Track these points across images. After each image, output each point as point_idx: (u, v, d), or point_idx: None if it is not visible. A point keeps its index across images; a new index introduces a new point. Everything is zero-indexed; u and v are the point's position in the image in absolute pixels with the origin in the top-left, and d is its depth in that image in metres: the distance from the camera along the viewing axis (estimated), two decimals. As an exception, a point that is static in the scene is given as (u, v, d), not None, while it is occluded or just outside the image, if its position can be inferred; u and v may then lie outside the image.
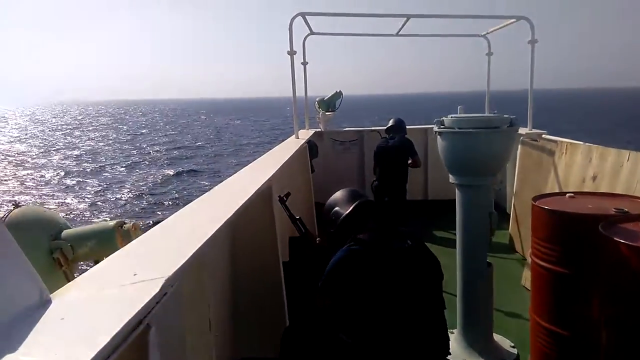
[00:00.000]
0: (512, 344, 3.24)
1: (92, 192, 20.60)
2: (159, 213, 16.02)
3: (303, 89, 6.81)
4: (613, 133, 33.72)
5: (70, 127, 69.63)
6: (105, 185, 22.12)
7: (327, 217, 2.34)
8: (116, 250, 2.03)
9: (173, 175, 24.44)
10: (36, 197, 19.70)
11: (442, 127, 2.83)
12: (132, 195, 19.81)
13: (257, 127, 58.58)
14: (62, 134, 56.33)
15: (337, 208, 2.30)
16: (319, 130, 7.64)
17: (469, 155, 2.76)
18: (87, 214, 16.62)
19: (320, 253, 2.62)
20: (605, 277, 2.44)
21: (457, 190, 2.93)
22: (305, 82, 6.87)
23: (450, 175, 2.92)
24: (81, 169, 27.90)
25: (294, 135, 6.05)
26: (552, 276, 2.88)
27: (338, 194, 2.38)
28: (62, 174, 25.95)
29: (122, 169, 27.32)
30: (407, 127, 6.45)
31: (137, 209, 17.32)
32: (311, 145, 6.04)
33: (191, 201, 2.32)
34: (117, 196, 19.65)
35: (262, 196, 2.67)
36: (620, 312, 2.33)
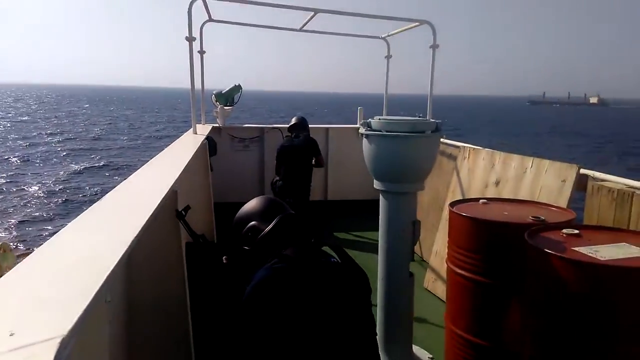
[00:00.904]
0: (431, 356, 3.18)
1: None
2: (36, 230, 12.70)
3: (200, 81, 6.35)
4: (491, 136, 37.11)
5: None
6: None
7: (240, 232, 2.01)
8: None
9: (62, 175, 20.43)
10: None
11: (369, 129, 2.64)
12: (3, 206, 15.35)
13: (151, 119, 54.96)
14: None
15: (254, 222, 1.98)
16: (217, 125, 7.19)
17: (398, 161, 2.60)
18: None
19: (227, 274, 2.29)
20: (529, 287, 2.43)
21: (381, 197, 2.77)
22: (202, 73, 6.41)
23: (375, 181, 2.75)
24: None
25: (191, 130, 5.56)
26: (472, 285, 2.84)
27: (253, 205, 2.05)
28: None
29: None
30: (309, 126, 6.30)
31: (7, 222, 13.44)
32: (210, 142, 5.61)
33: (79, 213, 1.87)
34: None
35: (167, 207, 2.27)
36: (543, 322, 2.32)
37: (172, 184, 2.38)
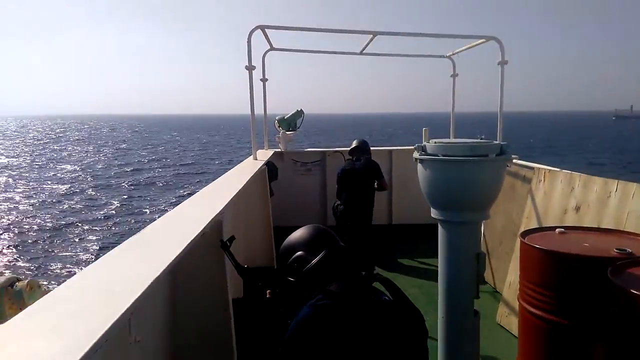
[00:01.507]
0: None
1: None
2: (73, 263, 12.29)
3: (262, 107, 6.40)
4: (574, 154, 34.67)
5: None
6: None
7: (285, 262, 1.87)
8: (2, 317, 1.50)
9: (108, 204, 20.32)
10: None
11: (423, 153, 2.43)
12: (35, 239, 14.74)
13: (212, 146, 57.00)
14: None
15: (300, 253, 1.84)
16: (279, 150, 7.21)
17: (456, 187, 2.37)
18: None
19: (270, 311, 2.15)
20: (613, 330, 2.09)
21: (440, 227, 2.54)
22: (265, 99, 6.46)
23: (432, 209, 2.52)
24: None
25: (251, 157, 5.58)
26: (546, 325, 2.52)
27: (300, 234, 1.91)
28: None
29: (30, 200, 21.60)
30: (370, 148, 6.15)
31: (35, 257, 12.80)
32: (270, 167, 5.60)
33: (120, 242, 1.82)
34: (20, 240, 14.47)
35: (210, 238, 2.19)
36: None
37: (216, 213, 2.31)
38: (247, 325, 2.56)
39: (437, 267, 5.62)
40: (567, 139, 61.89)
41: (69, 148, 54.29)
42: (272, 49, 6.42)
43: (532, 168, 4.48)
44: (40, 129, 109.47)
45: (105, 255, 1.64)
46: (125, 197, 22.22)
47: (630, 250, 2.36)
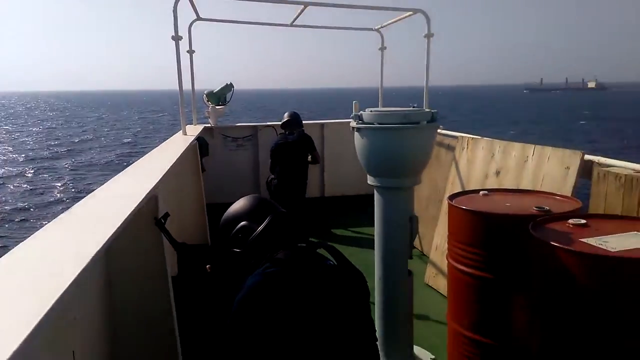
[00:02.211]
0: (433, 357, 3.04)
1: None
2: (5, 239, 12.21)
3: (190, 81, 6.21)
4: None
5: None
6: None
7: (228, 233, 1.87)
8: None
9: (33, 178, 19.83)
10: None
11: (360, 122, 2.49)
12: None
13: (140, 123, 54.52)
14: None
15: (244, 222, 1.84)
16: (209, 125, 7.05)
17: (391, 154, 2.46)
18: None
19: (212, 285, 2.15)
20: (535, 281, 2.29)
21: (375, 193, 2.63)
22: (192, 73, 6.25)
23: (368, 177, 2.60)
24: None
25: (180, 132, 5.42)
26: (474, 281, 2.70)
27: (241, 205, 1.91)
28: None
29: None
30: (302, 121, 6.17)
31: None
32: (201, 143, 5.47)
33: (48, 221, 1.73)
34: None
35: (146, 214, 2.13)
36: (551, 318, 2.19)
37: (150, 188, 2.24)
38: (186, 302, 2.53)
39: (369, 235, 5.82)
40: (486, 111, 65.32)
41: None
42: (198, 18, 6.21)
43: (455, 137, 4.71)
44: None
45: (35, 233, 1.56)
46: (60, 178, 20.89)
47: (547, 208, 2.57)
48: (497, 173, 3.91)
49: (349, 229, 6.46)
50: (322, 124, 7.41)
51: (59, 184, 19.70)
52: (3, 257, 1.34)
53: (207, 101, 7.25)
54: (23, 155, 28.15)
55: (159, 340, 2.27)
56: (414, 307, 2.97)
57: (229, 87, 7.43)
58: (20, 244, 1.45)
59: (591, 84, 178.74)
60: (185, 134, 5.25)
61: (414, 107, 2.65)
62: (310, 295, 1.61)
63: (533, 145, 3.59)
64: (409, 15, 5.72)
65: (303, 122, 6.17)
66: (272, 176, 5.84)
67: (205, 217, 5.03)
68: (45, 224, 1.72)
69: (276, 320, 1.56)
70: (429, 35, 5.53)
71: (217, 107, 7.17)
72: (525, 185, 3.53)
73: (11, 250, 1.38)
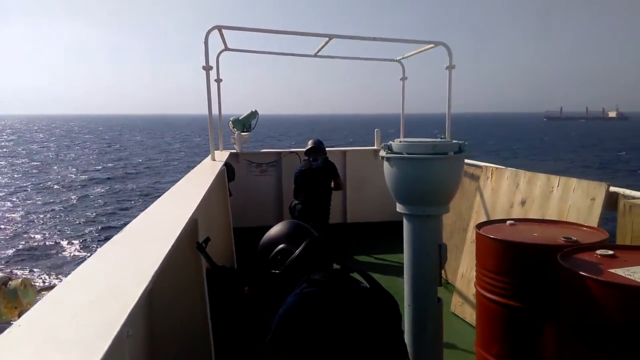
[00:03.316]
0: (462, 384, 3.06)
1: None
2: (57, 261, 12.52)
3: (216, 108, 6.40)
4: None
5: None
6: None
7: (267, 256, 1.97)
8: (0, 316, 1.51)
9: (80, 202, 20.47)
10: None
11: (389, 152, 2.59)
12: (20, 239, 14.69)
13: (168, 147, 55.80)
14: None
15: (283, 245, 1.95)
16: (234, 151, 7.22)
17: (420, 183, 2.54)
18: None
19: (250, 306, 2.24)
20: (564, 311, 2.33)
21: (405, 220, 2.70)
22: (219, 100, 6.45)
23: (397, 204, 2.69)
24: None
25: (209, 157, 5.59)
26: (502, 309, 2.74)
27: (280, 229, 2.03)
28: None
29: (12, 200, 21.60)
30: (325, 148, 6.30)
31: (23, 257, 12.89)
32: (228, 168, 5.63)
33: (100, 245, 1.85)
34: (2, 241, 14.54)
35: (187, 237, 2.24)
36: (580, 348, 2.21)
37: (192, 212, 2.36)
38: (223, 322, 2.62)
39: (392, 262, 5.88)
40: (506, 138, 65.12)
41: (31, 148, 51.45)
42: (226, 49, 6.44)
43: (479, 166, 4.77)
44: None
45: (97, 252, 1.67)
46: (99, 200, 21.68)
47: (575, 238, 2.62)
48: (523, 203, 3.95)
49: (372, 255, 6.50)
50: (345, 151, 7.54)
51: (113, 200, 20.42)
52: (70, 275, 1.45)
53: (233, 127, 7.44)
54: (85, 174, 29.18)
55: (196, 356, 2.35)
56: (447, 337, 3.01)
57: (253, 114, 7.63)
58: (83, 263, 1.56)
59: (612, 114, 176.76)
60: (214, 160, 5.41)
61: (441, 137, 2.74)
62: (347, 315, 1.69)
63: (558, 177, 3.64)
64: (431, 48, 5.86)
65: (326, 148, 6.30)
66: (296, 201, 5.94)
67: (232, 240, 5.14)
68: (100, 241, 1.84)
69: (314, 336, 1.64)
70: (450, 67, 5.66)
71: (242, 133, 7.35)
72: (551, 215, 3.57)
73: (76, 269, 1.50)
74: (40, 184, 26.32)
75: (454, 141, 2.63)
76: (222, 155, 6.16)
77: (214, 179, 3.94)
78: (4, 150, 50.97)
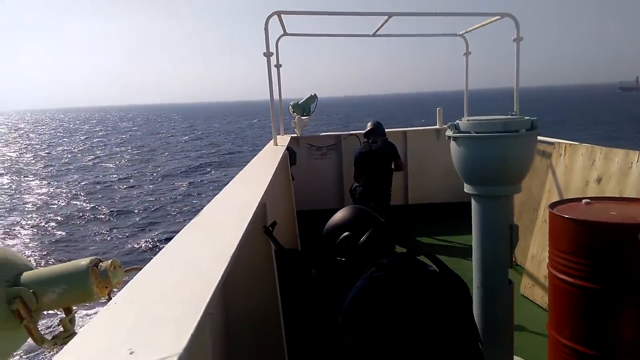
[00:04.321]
0: (535, 367, 2.99)
1: (61, 224, 16.25)
2: (138, 244, 13.49)
3: (277, 93, 6.49)
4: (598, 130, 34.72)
5: (25, 138, 65.61)
6: (75, 213, 17.78)
7: (332, 243, 2.00)
8: (91, 294, 1.63)
9: (156, 193, 21.27)
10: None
11: (456, 131, 2.53)
12: (105, 224, 15.86)
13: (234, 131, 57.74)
14: (19, 146, 52.07)
15: (347, 233, 1.96)
16: (295, 135, 7.31)
17: (490, 163, 2.47)
18: (55, 251, 13.03)
19: (318, 286, 2.28)
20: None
21: (473, 201, 2.64)
22: (280, 86, 6.53)
23: (465, 185, 2.63)
24: (45, 191, 22.93)
25: (271, 142, 5.69)
26: (577, 291, 2.64)
27: (343, 215, 2.04)
28: (19, 198, 21.21)
29: (96, 190, 22.74)
30: (385, 130, 6.24)
31: (112, 241, 13.94)
32: (290, 152, 5.71)
33: (178, 229, 1.95)
34: (89, 227, 15.65)
35: (258, 220, 2.31)
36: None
37: (261, 197, 2.43)
38: (292, 303, 2.70)
39: (457, 243, 5.78)
40: (579, 112, 61.65)
41: (114, 139, 55.35)
42: (285, 34, 6.48)
43: (551, 143, 4.56)
44: (54, 123, 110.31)
45: (177, 235, 1.77)
46: (174, 185, 23.09)
47: (657, 216, 2.47)
48: (599, 180, 3.75)
49: (435, 237, 6.42)
50: (405, 132, 7.44)
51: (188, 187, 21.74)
52: (156, 256, 1.54)
53: (293, 112, 7.53)
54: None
55: (266, 337, 2.44)
56: (518, 320, 2.95)
57: (312, 98, 7.68)
58: (167, 245, 1.66)
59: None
60: (277, 144, 5.51)
61: (512, 114, 2.64)
62: (417, 298, 1.69)
63: (637, 152, 3.42)
64: (497, 20, 5.62)
65: (386, 129, 6.25)
66: (357, 184, 5.94)
67: (296, 223, 5.23)
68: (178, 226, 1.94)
69: (385, 320, 1.66)
70: (518, 40, 5.41)
71: (302, 117, 7.42)
72: (630, 193, 3.37)
73: (162, 250, 1.59)
74: (134, 172, 27.93)
75: (526, 118, 2.53)
76: (283, 140, 6.25)
77: (277, 164, 4.01)
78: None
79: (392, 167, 5.93)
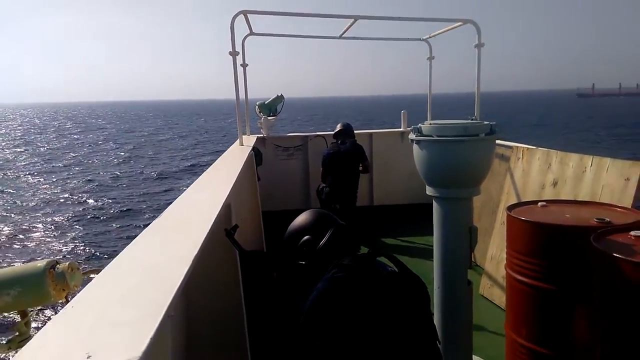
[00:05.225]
0: (493, 365, 3.08)
1: (17, 224, 15.59)
2: (99, 246, 13.00)
3: (242, 92, 6.44)
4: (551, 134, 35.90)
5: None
6: (33, 213, 17.09)
7: (293, 247, 2.01)
8: (48, 297, 1.59)
9: (116, 189, 20.97)
10: None
11: (419, 134, 2.59)
12: (64, 225, 15.24)
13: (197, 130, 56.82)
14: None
15: (307, 237, 1.97)
16: (261, 136, 7.29)
17: (451, 166, 2.54)
18: (10, 254, 12.41)
19: (280, 288, 2.29)
20: (597, 292, 2.31)
21: (435, 203, 2.71)
22: (245, 85, 6.48)
23: (427, 187, 2.69)
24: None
25: (237, 142, 5.66)
26: (533, 291, 2.73)
27: (303, 219, 2.05)
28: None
29: (55, 189, 21.77)
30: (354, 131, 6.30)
31: (72, 243, 13.30)
32: (256, 153, 5.69)
33: (141, 229, 1.92)
34: (48, 228, 15.03)
35: (222, 221, 2.30)
36: (614, 329, 2.20)
37: (225, 197, 2.42)
38: (254, 305, 2.70)
39: (420, 244, 5.88)
40: (537, 117, 63.69)
41: (68, 136, 53.36)
42: (251, 33, 6.45)
43: (510, 147, 4.70)
44: (25, 119, 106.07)
45: (138, 237, 1.74)
46: (139, 183, 22.53)
47: (608, 220, 2.58)
48: (554, 184, 3.89)
49: (399, 238, 6.52)
50: (371, 134, 7.52)
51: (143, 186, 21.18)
52: (115, 258, 1.52)
53: (259, 112, 7.50)
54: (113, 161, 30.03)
55: (230, 339, 2.43)
56: (476, 320, 3.02)
57: (279, 98, 7.67)
58: (127, 247, 1.63)
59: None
60: (242, 145, 5.48)
61: (471, 119, 2.72)
62: (376, 298, 1.72)
63: (591, 157, 3.57)
64: (459, 26, 5.75)
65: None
66: (324, 185, 5.97)
67: (261, 224, 5.22)
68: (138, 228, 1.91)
69: (345, 321, 1.68)
70: (479, 46, 5.54)
71: (269, 117, 7.40)
72: (584, 196, 3.51)
73: (121, 253, 1.57)
74: (77, 172, 27.07)
75: (485, 122, 2.61)
76: (249, 140, 6.23)
77: (243, 164, 4.00)
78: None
79: (360, 168, 5.99)
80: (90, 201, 18.97)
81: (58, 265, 1.61)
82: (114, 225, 15.28)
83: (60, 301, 1.67)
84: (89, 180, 24.04)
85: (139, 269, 1.46)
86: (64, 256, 11.76)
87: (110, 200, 18.91)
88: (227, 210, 2.41)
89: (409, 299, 1.81)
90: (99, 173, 26.16)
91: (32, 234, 14.58)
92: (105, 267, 1.45)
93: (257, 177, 5.59)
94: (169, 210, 2.24)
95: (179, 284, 1.29)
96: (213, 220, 1.97)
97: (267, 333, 2.61)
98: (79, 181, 23.83)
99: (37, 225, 15.61)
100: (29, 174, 26.67)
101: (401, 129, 7.53)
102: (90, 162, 31.05)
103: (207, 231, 1.81)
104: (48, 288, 1.56)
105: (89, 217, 16.56)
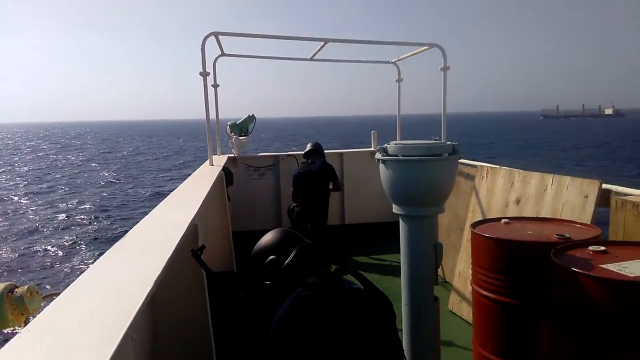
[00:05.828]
0: (460, 381, 3.10)
1: None
2: (61, 268, 12.52)
3: (214, 113, 6.44)
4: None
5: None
6: None
7: (259, 267, 2.01)
8: (5, 322, 1.56)
9: (77, 211, 20.28)
10: None
11: (384, 154, 2.65)
12: (22, 247, 14.70)
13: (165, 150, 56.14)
14: None
15: (272, 257, 1.98)
16: (232, 155, 7.27)
17: (415, 185, 2.60)
18: None
19: (246, 311, 2.28)
20: (558, 306, 2.38)
21: (401, 221, 2.76)
22: (217, 106, 6.49)
23: (394, 205, 2.74)
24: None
25: (207, 162, 5.64)
26: (498, 306, 2.79)
27: (269, 239, 2.05)
28: None
29: (13, 209, 21.07)
30: (324, 151, 6.36)
31: (31, 265, 12.83)
32: (226, 172, 5.68)
33: (103, 251, 1.90)
34: (5, 249, 14.35)
35: (188, 242, 2.29)
36: (574, 342, 2.26)
37: (192, 218, 2.41)
38: (221, 326, 2.67)
39: (390, 262, 5.93)
40: (502, 137, 65.40)
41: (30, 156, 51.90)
42: (223, 54, 6.49)
43: (475, 166, 4.83)
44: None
45: (100, 258, 1.72)
46: (99, 206, 21.75)
47: (568, 235, 2.67)
48: (517, 202, 4.00)
49: (370, 257, 6.55)
50: (342, 153, 7.59)
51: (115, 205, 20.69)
52: (75, 281, 1.49)
53: (230, 132, 7.50)
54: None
55: (197, 358, 2.40)
56: (445, 335, 3.05)
57: (251, 118, 7.69)
58: (88, 269, 1.61)
59: (608, 111, 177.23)
60: (212, 165, 5.46)
61: (435, 139, 2.79)
62: (341, 316, 1.74)
63: (552, 175, 3.70)
64: (426, 49, 5.92)
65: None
66: (294, 204, 5.99)
67: (232, 244, 5.18)
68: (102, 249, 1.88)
69: (311, 339, 1.69)
70: (445, 69, 5.71)
71: (240, 137, 7.40)
72: (545, 213, 3.62)
73: (82, 274, 1.54)
74: (39, 192, 26.34)
75: (448, 143, 2.68)
76: (220, 160, 6.21)
77: (212, 184, 3.98)
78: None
79: (330, 187, 6.03)
80: (56, 221, 18.43)
81: (16, 289, 1.58)
82: (79, 247, 14.82)
83: (19, 326, 1.63)
84: (52, 200, 23.39)
85: (100, 290, 1.44)
86: (24, 280, 11.34)
87: (74, 223, 18.38)
88: (193, 230, 2.40)
89: (373, 315, 1.83)
90: (61, 193, 25.47)
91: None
92: (65, 290, 1.43)
93: (228, 197, 5.56)
94: (134, 230, 2.21)
95: (139, 305, 1.28)
96: (178, 241, 1.96)
97: (234, 353, 2.58)
98: (42, 202, 23.14)
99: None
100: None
101: (371, 149, 7.63)
102: (57, 180, 30.27)
103: (172, 252, 1.80)
104: (6, 313, 1.52)
105: (49, 237, 16.03)
